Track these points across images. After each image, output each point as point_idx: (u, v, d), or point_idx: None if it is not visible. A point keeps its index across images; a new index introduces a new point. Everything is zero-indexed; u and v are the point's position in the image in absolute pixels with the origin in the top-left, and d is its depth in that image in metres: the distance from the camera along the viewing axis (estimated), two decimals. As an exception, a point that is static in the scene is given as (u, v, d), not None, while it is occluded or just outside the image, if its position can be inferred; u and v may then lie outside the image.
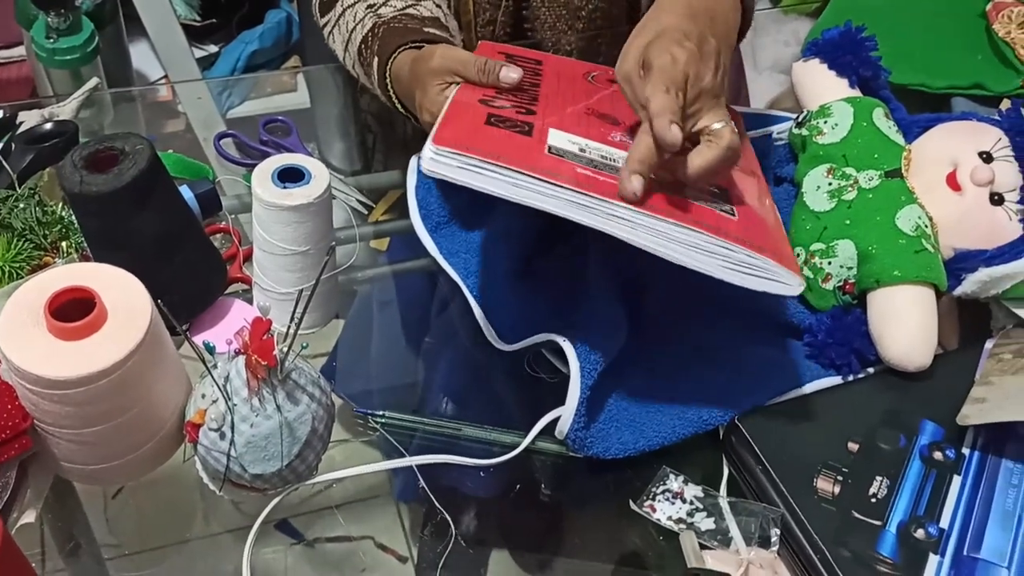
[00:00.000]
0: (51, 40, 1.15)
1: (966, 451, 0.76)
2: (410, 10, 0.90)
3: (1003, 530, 0.71)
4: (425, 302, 0.95)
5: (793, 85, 0.96)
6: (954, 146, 0.86)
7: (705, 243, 0.67)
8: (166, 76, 1.54)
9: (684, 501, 0.74)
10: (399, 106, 0.89)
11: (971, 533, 0.71)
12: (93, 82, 1.06)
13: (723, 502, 0.74)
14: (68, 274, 0.68)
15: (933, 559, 0.69)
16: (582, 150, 0.72)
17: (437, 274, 0.88)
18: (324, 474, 0.73)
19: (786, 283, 0.68)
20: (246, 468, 0.67)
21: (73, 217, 0.81)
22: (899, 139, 0.88)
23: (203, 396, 0.68)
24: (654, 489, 0.75)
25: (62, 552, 0.73)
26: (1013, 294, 0.82)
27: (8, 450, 0.65)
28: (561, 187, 0.66)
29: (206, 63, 1.70)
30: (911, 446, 0.76)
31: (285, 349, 0.66)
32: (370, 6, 0.92)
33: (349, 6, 0.93)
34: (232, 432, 0.66)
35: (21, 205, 0.83)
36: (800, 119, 0.93)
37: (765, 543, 0.71)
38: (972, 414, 0.75)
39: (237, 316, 0.84)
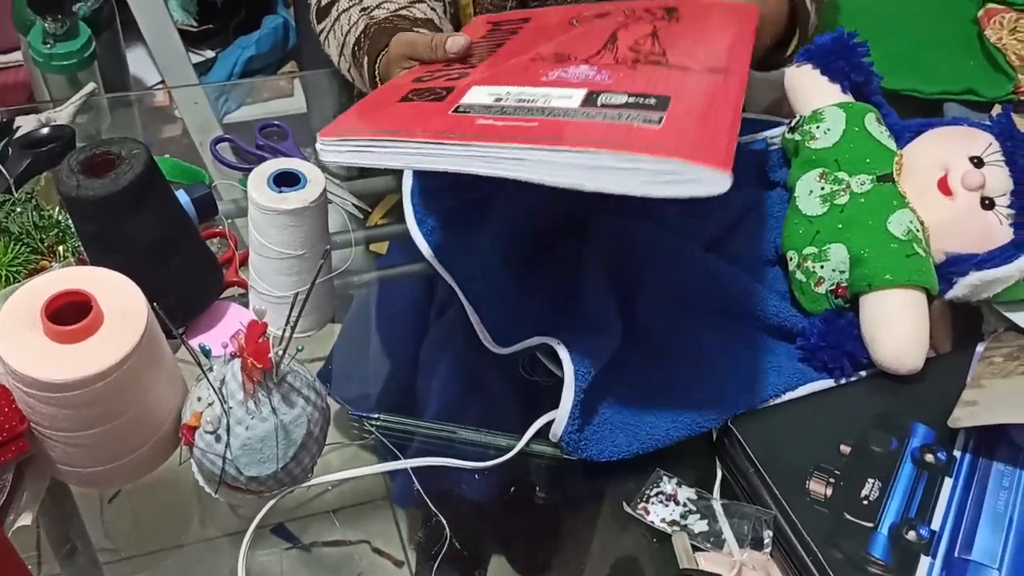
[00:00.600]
0: (48, 45, 1.15)
1: (957, 453, 0.76)
2: (404, 12, 0.91)
3: (994, 532, 0.72)
4: (420, 306, 0.96)
5: (786, 90, 0.97)
6: (945, 151, 0.86)
7: (609, 162, 0.60)
8: (163, 81, 1.54)
9: (677, 503, 0.74)
10: None
11: (962, 535, 0.71)
12: (90, 87, 1.06)
13: (716, 504, 0.74)
14: (65, 278, 0.68)
15: (924, 561, 0.70)
16: (498, 99, 0.70)
17: (432, 278, 0.89)
18: (320, 477, 0.73)
19: (706, 180, 0.59)
20: (241, 471, 0.67)
21: (70, 221, 0.82)
22: (891, 144, 0.89)
23: (199, 399, 0.68)
24: (647, 491, 0.75)
25: (58, 555, 0.73)
26: (1004, 298, 0.83)
27: (4, 453, 0.66)
28: (443, 144, 0.65)
29: (203, 68, 1.70)
30: (903, 448, 0.76)
31: (281, 352, 0.66)
32: (364, 8, 0.92)
33: (344, 10, 0.94)
34: (228, 435, 0.66)
35: (18, 209, 0.83)
36: (793, 124, 0.93)
37: (758, 545, 0.71)
38: (963, 417, 0.76)
39: (233, 319, 0.85)
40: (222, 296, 0.86)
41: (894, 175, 0.86)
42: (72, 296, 0.66)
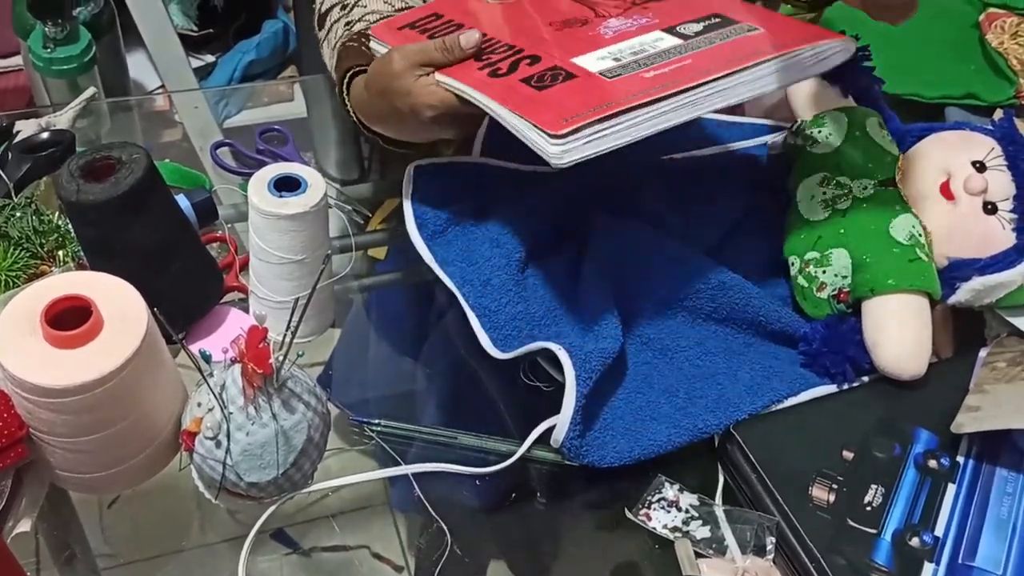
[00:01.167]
0: (48, 49, 1.15)
1: (961, 459, 0.76)
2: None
3: (998, 538, 0.71)
4: (421, 311, 0.95)
5: (787, 95, 0.97)
6: (947, 156, 0.86)
7: (783, 62, 0.74)
8: (163, 86, 1.54)
9: (679, 509, 0.74)
10: (363, 127, 0.88)
11: (966, 541, 0.71)
12: (90, 91, 1.06)
13: (718, 510, 0.74)
14: (64, 283, 0.68)
15: (928, 567, 0.69)
16: (616, 59, 0.73)
17: (433, 283, 0.89)
18: (320, 483, 0.73)
19: (843, 48, 0.77)
20: (242, 476, 0.67)
21: (70, 226, 0.82)
22: (893, 149, 0.88)
23: (199, 404, 0.68)
24: (649, 497, 0.75)
25: (57, 561, 0.73)
26: (1007, 303, 0.83)
27: (4, 459, 0.65)
28: (666, 98, 0.69)
29: (203, 73, 1.70)
30: (906, 454, 0.76)
31: (281, 358, 0.66)
32: (348, 23, 0.91)
33: (335, 21, 0.93)
34: (228, 440, 0.66)
35: (18, 214, 0.83)
36: (794, 129, 0.93)
37: (760, 551, 0.71)
38: (966, 422, 0.75)
39: (233, 325, 0.84)
40: (222, 301, 0.86)
41: (896, 180, 0.85)
42: (72, 301, 0.66)
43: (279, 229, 0.78)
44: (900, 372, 0.79)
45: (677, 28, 0.77)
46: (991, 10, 1.14)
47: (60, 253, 0.82)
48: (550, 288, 0.85)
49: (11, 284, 0.79)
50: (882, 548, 0.70)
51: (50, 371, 0.63)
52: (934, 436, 0.77)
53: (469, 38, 0.77)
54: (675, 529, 0.73)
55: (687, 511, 0.74)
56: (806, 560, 0.70)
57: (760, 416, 0.78)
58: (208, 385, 0.67)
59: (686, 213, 0.90)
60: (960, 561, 0.70)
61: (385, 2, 0.92)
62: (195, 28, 1.72)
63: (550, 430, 0.75)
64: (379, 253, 0.99)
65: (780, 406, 0.79)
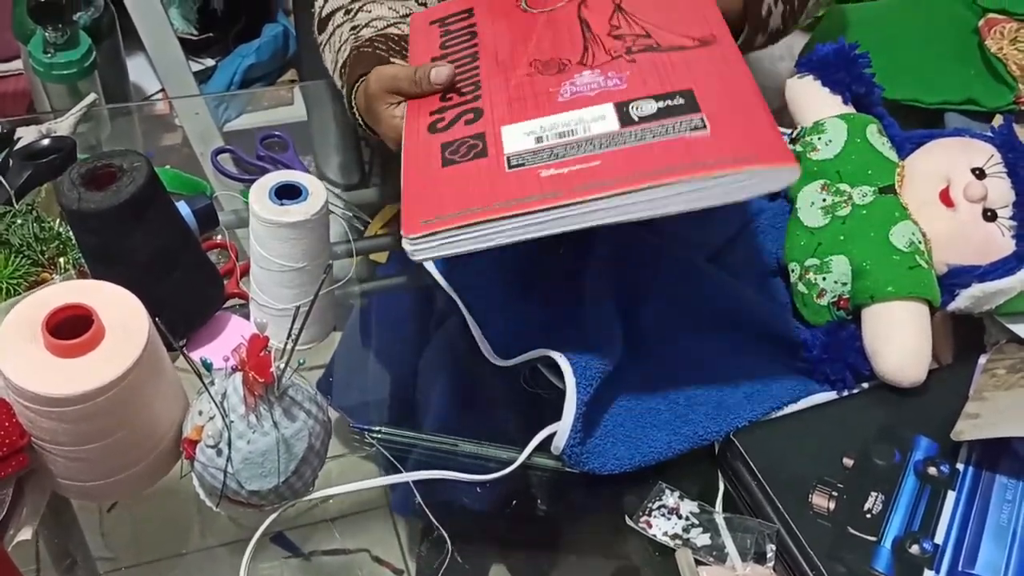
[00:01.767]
0: (49, 55, 1.15)
1: (960, 466, 0.76)
2: (391, 29, 0.89)
3: (998, 546, 0.71)
4: (421, 317, 0.95)
5: (787, 101, 0.97)
6: (947, 162, 0.86)
7: (692, 186, 0.66)
8: (163, 90, 1.54)
9: (680, 517, 0.74)
10: (371, 131, 0.88)
11: (966, 548, 0.71)
12: (91, 98, 1.06)
13: (719, 518, 0.74)
14: (66, 291, 0.68)
15: (928, 575, 0.69)
16: (539, 140, 0.71)
17: (433, 289, 0.89)
18: (320, 489, 0.73)
19: (780, 178, 0.66)
20: (243, 485, 0.67)
21: (71, 233, 0.82)
22: (892, 155, 0.89)
23: (200, 412, 0.68)
24: (650, 504, 0.75)
25: (58, 569, 0.73)
26: (1006, 309, 0.83)
27: (5, 467, 0.65)
28: (530, 214, 0.66)
29: (203, 77, 1.70)
30: (906, 461, 0.76)
31: (282, 366, 0.66)
32: (354, 27, 0.91)
33: (338, 25, 0.93)
34: (229, 449, 0.66)
35: (19, 221, 0.83)
36: (794, 135, 0.93)
37: (761, 559, 0.71)
38: (966, 430, 0.75)
39: (234, 332, 0.84)
40: (223, 308, 0.86)
41: (896, 186, 0.86)
42: (73, 310, 0.66)
43: (280, 237, 0.79)
44: (900, 379, 0.79)
45: (630, 106, 0.71)
46: (990, 16, 1.14)
47: (61, 260, 0.82)
48: (551, 295, 0.85)
49: (12, 291, 0.79)
50: (882, 556, 0.70)
51: (52, 380, 0.63)
52: (934, 443, 0.77)
53: (439, 74, 0.78)
54: (675, 536, 0.73)
55: (687, 518, 0.74)
56: (806, 568, 0.70)
57: (760, 423, 0.78)
58: (209, 393, 0.67)
59: (686, 219, 0.90)
60: (960, 568, 0.70)
61: (390, 8, 0.92)
62: (195, 32, 1.72)
63: (550, 437, 0.75)
64: (380, 257, 0.99)
65: (780, 413, 0.79)
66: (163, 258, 0.78)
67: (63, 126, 1.00)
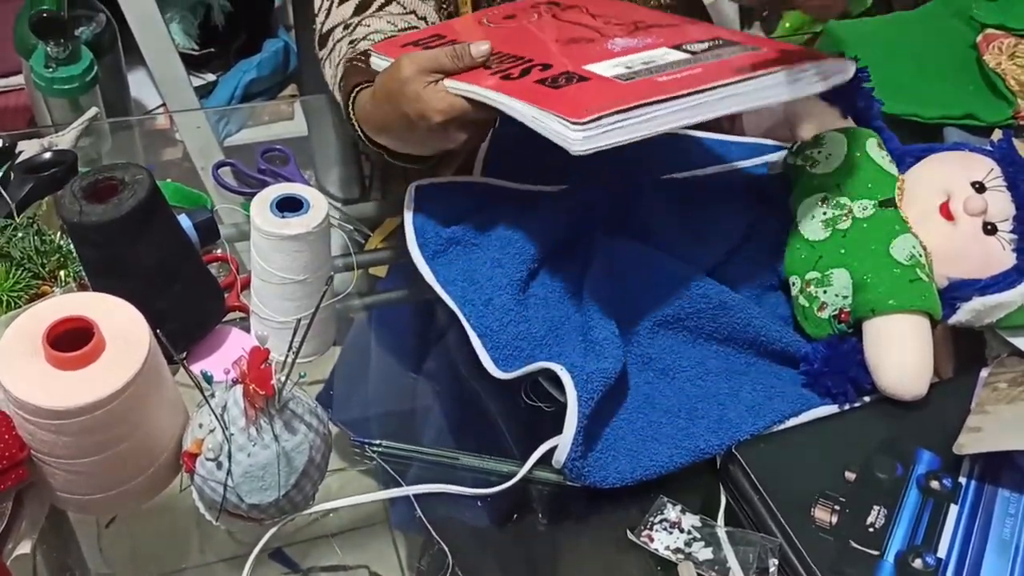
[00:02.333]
0: (50, 69, 1.16)
1: (963, 480, 0.76)
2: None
3: (1000, 559, 0.71)
4: (422, 331, 0.95)
5: (786, 115, 0.97)
6: (947, 176, 0.86)
7: (793, 76, 0.76)
8: (164, 105, 1.55)
9: (682, 531, 0.74)
10: (368, 141, 0.88)
11: (969, 562, 0.71)
12: (92, 111, 1.06)
13: (721, 532, 0.73)
14: (66, 304, 0.68)
15: (931, 589, 0.69)
16: (629, 67, 0.75)
17: (434, 302, 0.89)
18: (320, 503, 0.73)
19: (843, 68, 0.80)
20: (243, 498, 0.67)
21: (71, 246, 0.82)
22: (892, 169, 0.89)
23: (200, 425, 0.68)
24: (651, 519, 0.74)
25: (57, 583, 0.73)
26: (1007, 323, 0.83)
27: (5, 480, 0.65)
28: (682, 96, 0.71)
29: (204, 91, 1.71)
30: (908, 475, 0.76)
31: (283, 378, 0.66)
32: (352, 42, 0.91)
33: (338, 40, 0.94)
34: (229, 462, 0.66)
35: (19, 234, 0.83)
36: (794, 149, 0.93)
37: (763, 573, 0.71)
38: (968, 443, 0.75)
39: (235, 345, 0.84)
40: (224, 321, 0.86)
41: (896, 200, 0.86)
42: (74, 322, 0.66)
43: (281, 249, 0.79)
44: (901, 392, 0.79)
45: (683, 46, 0.79)
46: (988, 31, 1.15)
47: (61, 273, 0.82)
48: (552, 308, 0.85)
49: (12, 304, 0.79)
50: (885, 570, 0.70)
51: (52, 392, 0.63)
52: (936, 457, 0.77)
53: (479, 47, 0.78)
54: (677, 550, 0.72)
55: (689, 532, 0.74)
56: (809, 582, 0.70)
57: (762, 437, 0.78)
58: (210, 406, 0.67)
59: (687, 233, 0.90)
60: (963, 583, 0.70)
61: (388, 23, 0.92)
62: (196, 47, 1.73)
63: (551, 451, 0.75)
64: (380, 271, 0.99)
65: (782, 426, 0.79)
66: (164, 271, 0.77)
67: (64, 140, 1.01)
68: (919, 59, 1.14)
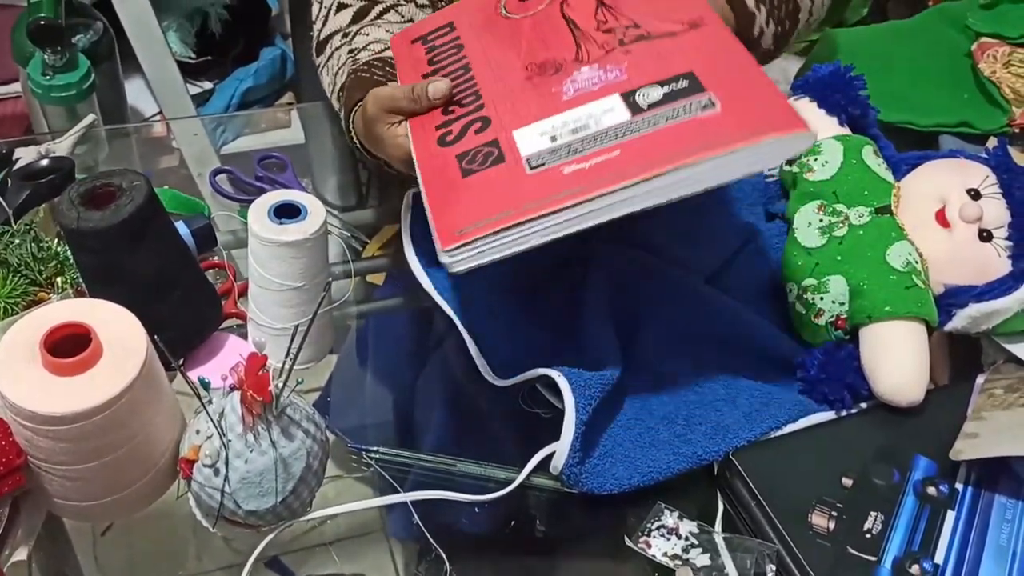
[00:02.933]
0: (47, 77, 1.16)
1: (960, 486, 0.76)
2: (388, 53, 0.89)
3: (998, 565, 0.71)
4: (419, 338, 0.95)
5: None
6: (943, 183, 0.87)
7: (715, 164, 0.66)
8: (161, 112, 1.55)
9: (679, 537, 0.74)
10: (369, 154, 0.88)
11: (966, 568, 0.71)
12: (89, 119, 1.06)
13: (718, 538, 0.73)
14: (64, 310, 0.68)
15: (928, 595, 0.69)
16: (553, 138, 0.71)
17: (432, 309, 0.89)
18: (318, 510, 0.73)
19: (797, 143, 0.67)
20: (240, 504, 0.67)
21: (69, 253, 0.82)
22: (888, 176, 0.89)
23: (197, 432, 0.68)
24: (649, 525, 0.74)
25: (53, 590, 0.72)
26: (1003, 329, 0.83)
27: (2, 486, 0.65)
28: (565, 209, 0.67)
29: (201, 99, 1.71)
30: (905, 481, 0.76)
31: (280, 385, 0.66)
32: (351, 50, 0.91)
33: (336, 48, 0.94)
34: (226, 468, 0.66)
35: (17, 241, 0.83)
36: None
37: (761, 579, 0.71)
38: (965, 449, 0.75)
39: (232, 351, 0.84)
40: (221, 328, 0.86)
41: (892, 207, 0.86)
42: (71, 328, 0.66)
43: (279, 256, 0.79)
44: (898, 399, 0.79)
45: (636, 94, 0.72)
46: (983, 39, 1.15)
47: (59, 280, 0.82)
48: (549, 315, 0.85)
49: (10, 311, 0.79)
50: (882, 576, 0.70)
51: (49, 398, 0.63)
52: (933, 463, 0.77)
53: (437, 88, 0.78)
54: (675, 557, 0.72)
55: (687, 538, 0.74)
56: (806, 588, 0.70)
57: (759, 443, 0.78)
58: (207, 412, 0.67)
59: (684, 240, 0.91)
60: (960, 589, 0.70)
61: (387, 32, 0.92)
62: (193, 55, 1.73)
63: (549, 457, 0.75)
64: (377, 278, 0.99)
65: (779, 433, 0.79)
66: (161, 277, 0.77)
67: (62, 147, 1.01)
68: (914, 67, 1.15)
